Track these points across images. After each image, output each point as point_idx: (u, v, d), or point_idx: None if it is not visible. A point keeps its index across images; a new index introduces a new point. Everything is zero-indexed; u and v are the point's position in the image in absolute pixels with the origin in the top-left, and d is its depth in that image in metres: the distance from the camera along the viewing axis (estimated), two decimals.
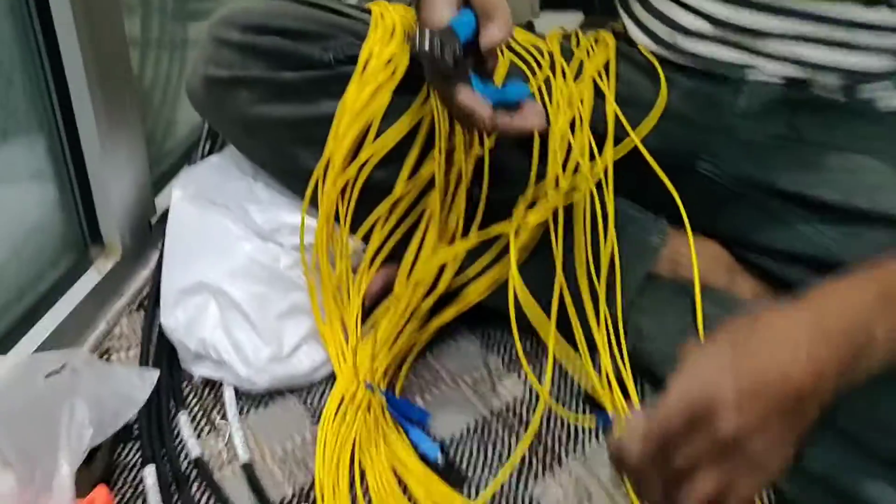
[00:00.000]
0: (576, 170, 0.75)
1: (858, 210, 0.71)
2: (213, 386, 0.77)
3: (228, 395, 0.75)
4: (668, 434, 0.45)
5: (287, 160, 0.77)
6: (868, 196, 0.71)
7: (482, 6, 0.60)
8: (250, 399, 0.76)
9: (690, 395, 0.45)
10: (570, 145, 0.75)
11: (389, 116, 0.74)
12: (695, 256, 0.74)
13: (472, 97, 0.59)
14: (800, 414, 0.45)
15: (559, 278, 0.70)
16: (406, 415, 0.72)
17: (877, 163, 0.73)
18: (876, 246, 0.66)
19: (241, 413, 0.74)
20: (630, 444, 0.46)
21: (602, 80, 0.81)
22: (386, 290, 0.78)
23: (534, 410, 0.76)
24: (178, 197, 0.83)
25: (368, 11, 0.78)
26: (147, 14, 0.99)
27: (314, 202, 0.76)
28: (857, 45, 0.73)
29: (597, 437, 0.74)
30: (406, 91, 0.74)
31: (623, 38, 0.87)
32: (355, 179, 0.74)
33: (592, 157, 0.77)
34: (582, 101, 0.79)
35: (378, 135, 0.74)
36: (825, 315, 0.46)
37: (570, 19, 1.54)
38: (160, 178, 0.99)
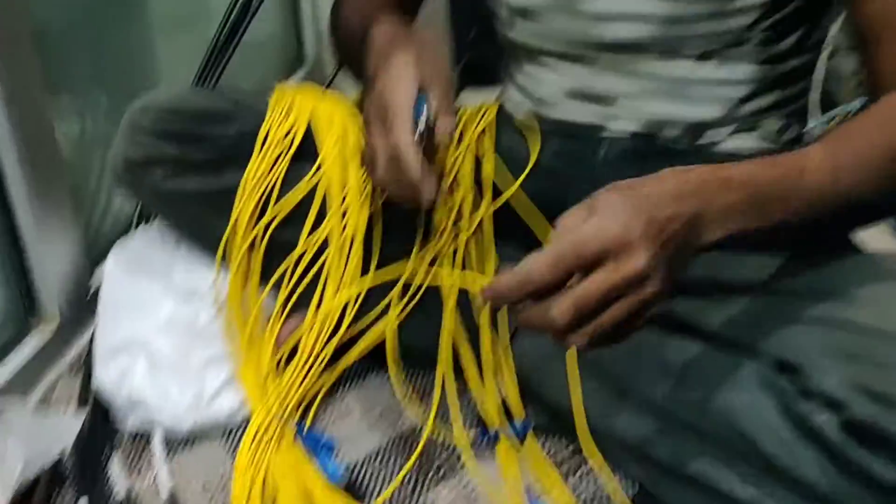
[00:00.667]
0: (458, 220, 0.86)
1: (744, 285, 0.78)
2: (143, 432, 0.85)
3: (157, 439, 0.84)
4: (579, 263, 0.54)
5: (200, 227, 0.88)
6: (754, 272, 0.78)
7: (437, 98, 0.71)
8: (177, 441, 0.84)
9: (607, 232, 0.54)
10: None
11: (289, 181, 0.85)
12: None
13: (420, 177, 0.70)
14: (676, 257, 0.57)
15: (448, 319, 0.80)
16: (314, 444, 0.80)
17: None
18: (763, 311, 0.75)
19: (168, 454, 0.83)
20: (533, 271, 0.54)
21: (481, 144, 0.93)
22: (296, 335, 0.87)
23: (432, 433, 0.84)
24: (110, 267, 0.93)
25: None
26: (83, 112, 1.11)
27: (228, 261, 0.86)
28: (694, 98, 0.84)
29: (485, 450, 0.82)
30: (303, 158, 0.85)
31: (502, 106, 0.99)
32: (262, 238, 0.85)
33: (476, 208, 0.88)
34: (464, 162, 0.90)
35: (279, 198, 0.84)
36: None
37: (489, 94, 1.68)
38: (101, 252, 1.09)
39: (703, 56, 0.82)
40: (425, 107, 0.72)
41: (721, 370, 0.71)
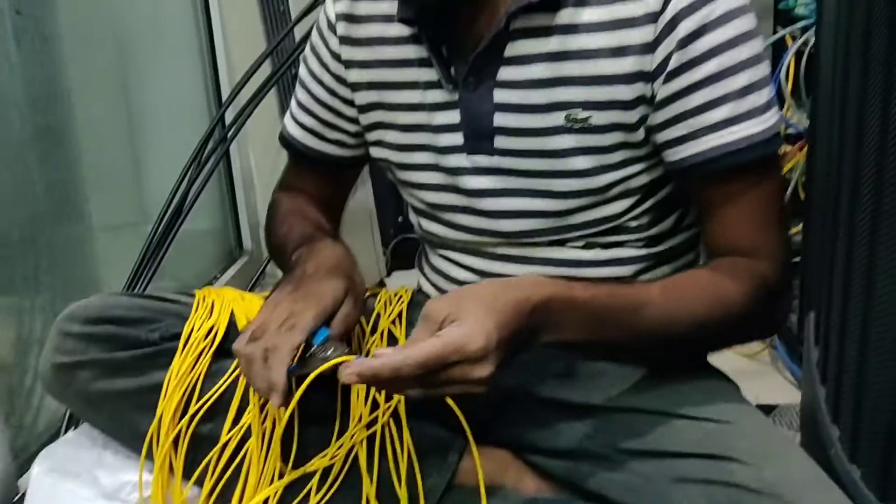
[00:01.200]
0: (375, 406, 0.90)
1: (595, 406, 0.87)
2: None
3: None
4: (443, 365, 0.66)
5: (126, 426, 0.90)
6: (603, 394, 0.87)
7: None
8: None
9: (468, 348, 0.66)
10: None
11: (212, 377, 0.89)
12: (479, 464, 0.87)
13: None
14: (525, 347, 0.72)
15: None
16: None
17: (612, 367, 0.90)
18: (621, 431, 0.83)
19: None
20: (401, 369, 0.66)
21: (396, 327, 0.99)
22: None
23: None
24: (35, 473, 0.93)
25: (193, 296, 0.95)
26: (20, 314, 1.15)
27: (153, 459, 0.88)
28: (584, 279, 0.89)
29: None
30: (225, 355, 0.90)
31: (420, 290, 1.06)
32: (186, 433, 0.87)
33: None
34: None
35: (202, 393, 0.88)
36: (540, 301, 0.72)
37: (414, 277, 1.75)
38: (31, 456, 1.09)
39: (589, 241, 0.90)
40: (325, 336, 0.78)
41: None
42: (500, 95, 0.86)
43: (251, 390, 0.87)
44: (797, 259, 1.26)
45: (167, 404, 0.87)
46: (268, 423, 0.88)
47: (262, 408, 0.87)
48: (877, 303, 0.78)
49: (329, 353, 0.76)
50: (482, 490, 0.86)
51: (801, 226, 1.37)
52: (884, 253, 0.76)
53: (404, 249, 1.97)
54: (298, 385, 0.76)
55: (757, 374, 1.57)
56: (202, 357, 0.89)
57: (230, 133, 1.63)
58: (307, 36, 1.59)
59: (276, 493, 0.86)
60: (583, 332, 0.75)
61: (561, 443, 0.87)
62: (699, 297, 0.80)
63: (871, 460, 0.79)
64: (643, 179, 0.87)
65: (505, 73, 0.85)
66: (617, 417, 0.85)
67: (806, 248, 1.28)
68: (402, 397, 0.90)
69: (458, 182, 0.92)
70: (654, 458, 0.80)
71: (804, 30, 1.57)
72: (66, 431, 1.05)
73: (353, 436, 0.86)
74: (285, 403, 0.76)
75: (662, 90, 0.81)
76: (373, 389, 0.90)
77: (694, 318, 0.79)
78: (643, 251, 0.91)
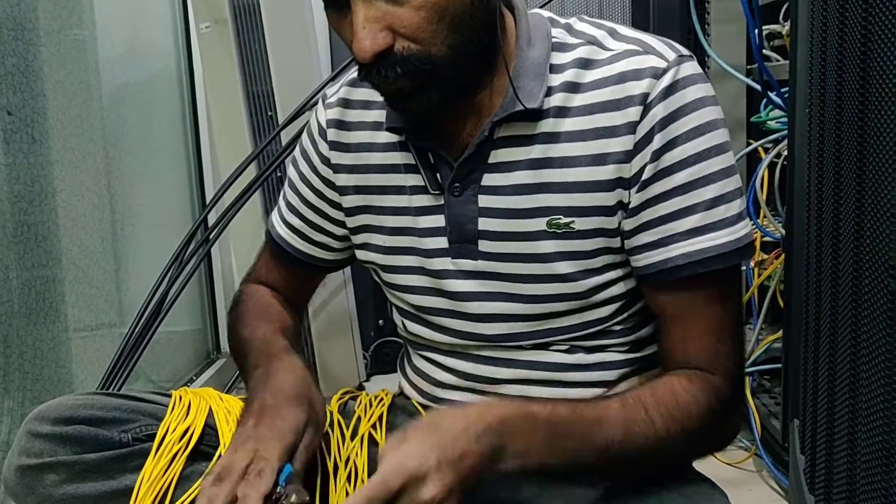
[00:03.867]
0: None
1: None
2: None
3: None
4: (385, 492, 0.67)
5: None
6: (585, 500, 0.84)
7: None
8: None
9: (406, 467, 0.67)
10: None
11: (185, 480, 0.86)
12: None
13: None
14: (468, 482, 0.70)
15: None
16: None
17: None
18: None
19: None
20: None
21: (377, 430, 0.97)
22: None
23: None
24: None
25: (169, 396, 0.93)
26: None
27: None
28: (568, 382, 0.91)
29: None
30: (200, 458, 0.87)
31: (401, 393, 1.04)
32: None
33: None
34: (358, 455, 0.93)
35: (174, 499, 0.84)
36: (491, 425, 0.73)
37: (397, 380, 1.74)
38: None
39: (573, 345, 0.90)
40: (290, 474, 0.78)
41: None
42: (484, 200, 0.87)
43: None
44: (778, 366, 1.27)
45: None
46: None
47: None
48: (863, 410, 0.78)
49: (293, 498, 0.76)
50: None
51: (780, 333, 1.38)
52: (866, 359, 0.77)
53: (384, 353, 1.96)
54: None
55: (743, 482, 1.54)
56: (176, 459, 0.86)
57: (213, 234, 1.64)
58: (293, 140, 1.63)
59: None
60: (543, 450, 0.75)
61: None
62: (658, 411, 0.80)
63: None
64: (624, 286, 0.88)
65: (489, 178, 0.87)
66: None
67: (787, 355, 1.28)
68: None
69: (442, 285, 0.92)
70: None
71: (776, 142, 1.62)
72: None
73: None
74: None
75: (635, 198, 0.83)
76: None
77: (653, 434, 0.79)
78: (627, 356, 0.91)
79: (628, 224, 0.84)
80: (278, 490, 0.76)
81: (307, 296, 1.12)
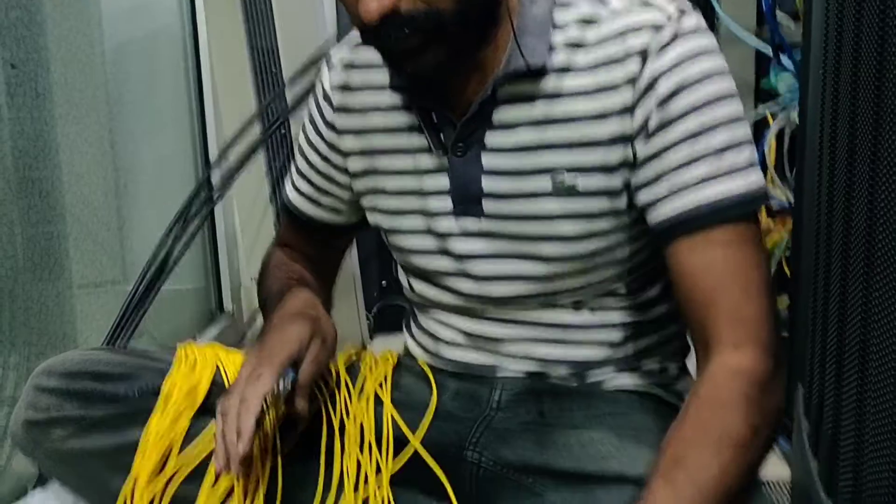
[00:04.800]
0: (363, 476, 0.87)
1: (589, 475, 0.84)
2: None
3: None
4: None
5: (99, 485, 0.87)
6: (596, 463, 0.85)
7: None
8: None
9: None
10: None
11: (192, 437, 0.86)
12: None
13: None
14: None
15: None
16: None
17: (604, 434, 0.88)
18: (607, 501, 0.81)
19: None
20: None
21: (382, 390, 0.97)
22: None
23: None
24: None
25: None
26: None
27: None
28: (573, 341, 0.91)
29: None
30: (206, 413, 0.87)
31: (406, 352, 1.04)
32: (162, 493, 0.84)
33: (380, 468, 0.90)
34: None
35: (181, 453, 0.85)
36: None
37: (400, 340, 1.74)
38: None
39: (578, 305, 0.90)
40: (290, 377, 0.79)
41: None
42: (487, 160, 0.87)
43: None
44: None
45: (143, 464, 0.84)
46: (251, 484, 0.85)
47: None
48: (872, 375, 0.77)
49: (282, 386, 0.78)
50: None
51: (785, 300, 1.37)
52: (877, 323, 0.76)
53: (387, 314, 1.96)
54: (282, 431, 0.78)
55: None
56: (182, 416, 0.86)
57: (216, 194, 1.63)
58: (299, 99, 1.62)
59: None
60: None
61: None
62: (703, 452, 0.74)
63: None
64: (629, 249, 0.88)
65: (492, 138, 0.86)
66: (611, 487, 0.83)
67: (794, 321, 1.27)
68: (390, 465, 0.88)
69: (448, 246, 0.91)
70: None
71: (785, 108, 1.60)
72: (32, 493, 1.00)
73: None
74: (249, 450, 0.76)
75: (643, 150, 0.82)
76: (357, 454, 0.88)
77: (713, 476, 0.74)
78: (633, 317, 0.91)
79: (639, 177, 0.83)
80: (276, 391, 0.76)
81: (333, 260, 1.11)
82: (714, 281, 0.79)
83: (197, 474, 0.85)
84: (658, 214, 0.82)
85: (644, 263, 0.89)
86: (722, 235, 0.79)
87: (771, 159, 1.60)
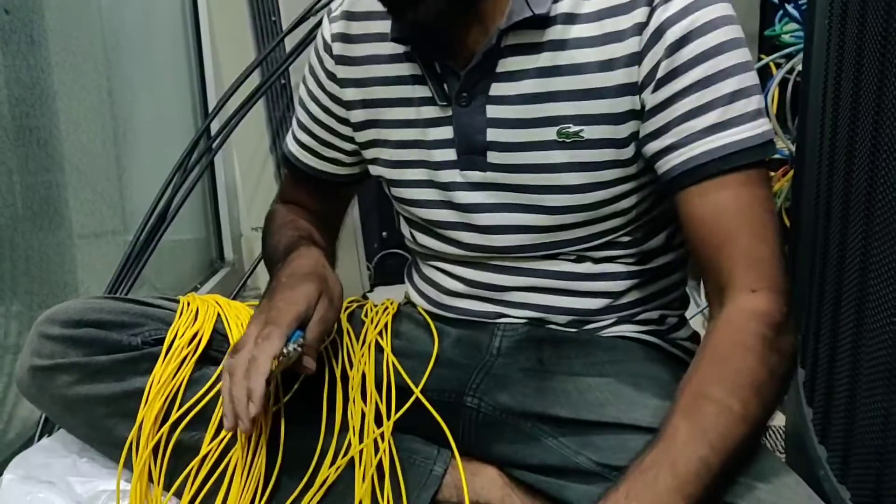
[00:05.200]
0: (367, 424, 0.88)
1: (586, 421, 0.86)
2: None
3: None
4: None
5: (104, 432, 0.88)
6: (593, 410, 0.86)
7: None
8: None
9: None
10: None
11: (195, 384, 0.87)
12: (464, 480, 0.86)
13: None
14: None
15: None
16: None
17: (602, 381, 0.89)
18: (604, 447, 0.82)
19: None
20: None
21: (383, 338, 0.97)
22: None
23: None
24: (7, 480, 0.91)
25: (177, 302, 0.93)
26: None
27: (133, 468, 0.86)
28: (575, 291, 0.92)
29: None
30: (209, 362, 0.88)
31: (408, 301, 1.05)
32: (167, 441, 0.85)
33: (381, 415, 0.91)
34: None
35: (184, 401, 0.86)
36: None
37: (400, 291, 1.75)
38: (3, 463, 1.06)
39: (580, 255, 0.90)
40: (299, 338, 0.79)
41: None
42: (492, 111, 0.86)
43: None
44: None
45: (148, 411, 0.85)
46: (254, 432, 0.86)
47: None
48: (868, 325, 0.78)
49: (289, 349, 0.78)
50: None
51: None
52: (875, 275, 0.77)
53: (388, 265, 1.96)
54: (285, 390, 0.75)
55: None
56: (185, 363, 0.87)
57: (215, 143, 1.62)
58: (297, 47, 1.60)
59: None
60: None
61: (550, 459, 0.86)
62: (724, 390, 0.73)
63: (863, 482, 0.79)
64: (633, 199, 0.87)
65: (497, 88, 0.85)
66: (608, 434, 0.84)
67: (793, 271, 1.28)
68: (392, 412, 0.89)
69: (451, 197, 0.91)
70: None
71: (789, 57, 1.59)
72: (39, 439, 1.02)
73: (345, 452, 0.84)
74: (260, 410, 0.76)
75: (651, 99, 0.81)
76: (359, 403, 0.89)
77: (736, 412, 0.72)
78: (635, 267, 0.91)
79: (647, 127, 0.82)
80: (284, 352, 0.77)
81: (336, 214, 1.11)
82: (727, 223, 0.79)
83: (201, 421, 0.86)
84: (667, 163, 0.81)
85: (647, 213, 0.89)
86: (733, 181, 0.79)
87: (773, 109, 1.59)
